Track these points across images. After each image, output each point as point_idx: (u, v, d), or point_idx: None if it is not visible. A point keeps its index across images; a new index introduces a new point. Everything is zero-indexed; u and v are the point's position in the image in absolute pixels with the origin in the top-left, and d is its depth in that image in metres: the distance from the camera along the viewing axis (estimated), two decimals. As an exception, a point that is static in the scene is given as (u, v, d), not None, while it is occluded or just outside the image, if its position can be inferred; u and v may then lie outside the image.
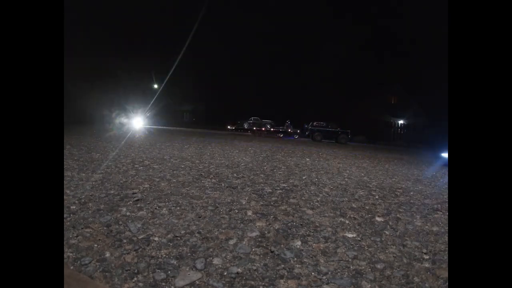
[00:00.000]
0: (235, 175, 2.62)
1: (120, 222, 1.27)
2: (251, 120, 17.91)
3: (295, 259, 1.06)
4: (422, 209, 1.96)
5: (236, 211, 1.56)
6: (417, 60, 28.28)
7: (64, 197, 1.56)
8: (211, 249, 1.08)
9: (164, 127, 16.58)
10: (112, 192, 1.74)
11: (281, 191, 2.13)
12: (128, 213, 1.39)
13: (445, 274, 1.03)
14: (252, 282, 0.89)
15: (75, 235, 1.11)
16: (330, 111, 23.45)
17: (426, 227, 1.56)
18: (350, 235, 1.33)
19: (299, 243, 1.20)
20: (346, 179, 2.90)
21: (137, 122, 15.40)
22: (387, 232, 1.41)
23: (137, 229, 1.21)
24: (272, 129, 17.20)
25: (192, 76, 26.46)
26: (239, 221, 1.40)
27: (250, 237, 1.22)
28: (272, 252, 1.10)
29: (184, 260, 0.99)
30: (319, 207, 1.77)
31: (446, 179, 3.63)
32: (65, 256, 0.95)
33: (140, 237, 1.14)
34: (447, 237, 1.41)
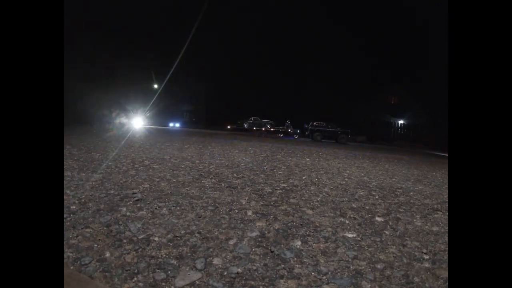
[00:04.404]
0: (235, 175, 2.62)
1: (120, 222, 1.27)
2: (251, 120, 17.92)
3: (295, 259, 1.06)
4: (422, 209, 1.96)
5: (236, 211, 1.56)
6: (418, 61, 28.28)
7: (64, 197, 1.56)
8: (211, 249, 1.08)
9: (164, 127, 16.58)
10: (112, 192, 1.74)
11: (281, 191, 2.13)
12: (128, 213, 1.39)
13: (445, 274, 1.03)
14: (252, 282, 0.89)
15: (75, 235, 1.11)
16: (330, 111, 23.46)
17: (426, 227, 1.56)
18: (350, 235, 1.33)
19: (299, 243, 1.20)
20: (346, 179, 2.90)
21: (137, 122, 15.42)
22: (387, 232, 1.41)
23: (137, 229, 1.21)
24: (272, 129, 17.21)
25: (192, 76, 26.50)
26: (239, 221, 1.40)
27: (250, 237, 1.22)
28: (272, 252, 1.10)
29: (184, 260, 0.99)
30: (319, 207, 1.77)
31: (446, 179, 3.63)
32: (65, 256, 0.95)
33: (140, 237, 1.14)
34: (447, 237, 1.41)
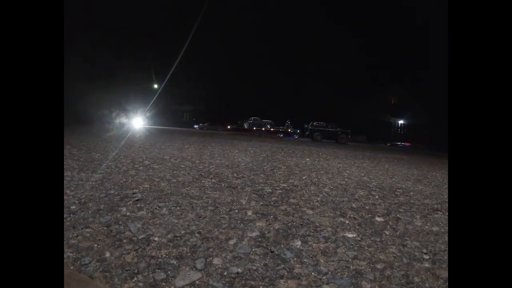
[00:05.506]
0: (235, 175, 2.62)
1: (120, 222, 1.27)
2: (251, 120, 17.93)
3: (295, 259, 1.06)
4: (422, 209, 1.95)
5: (236, 211, 1.55)
6: (418, 61, 28.27)
7: (64, 197, 1.56)
8: (211, 249, 1.08)
9: (164, 127, 16.58)
10: (112, 192, 1.74)
11: (281, 191, 2.13)
12: (128, 213, 1.39)
13: (445, 274, 1.03)
14: (252, 282, 0.89)
15: (75, 235, 1.11)
16: (330, 111, 23.47)
17: (426, 227, 1.56)
18: (350, 235, 1.33)
19: (299, 243, 1.20)
20: (346, 179, 2.90)
21: (137, 122, 15.46)
22: (387, 232, 1.41)
23: (137, 229, 1.21)
24: (272, 129, 17.22)
25: (192, 76, 26.55)
26: (239, 221, 1.40)
27: (250, 237, 1.22)
28: (272, 252, 1.10)
29: (184, 260, 0.99)
30: (319, 207, 1.77)
31: (446, 179, 3.63)
32: (65, 256, 0.95)
33: (140, 237, 1.14)
34: (447, 237, 1.41)
